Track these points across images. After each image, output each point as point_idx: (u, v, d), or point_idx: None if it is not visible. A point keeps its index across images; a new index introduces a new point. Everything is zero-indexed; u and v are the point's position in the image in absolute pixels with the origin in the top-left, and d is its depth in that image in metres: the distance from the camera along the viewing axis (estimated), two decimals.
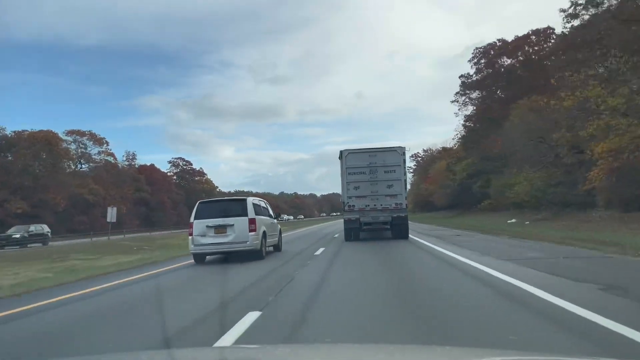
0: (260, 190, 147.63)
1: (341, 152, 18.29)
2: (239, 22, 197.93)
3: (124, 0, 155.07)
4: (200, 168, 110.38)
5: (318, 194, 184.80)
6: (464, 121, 52.30)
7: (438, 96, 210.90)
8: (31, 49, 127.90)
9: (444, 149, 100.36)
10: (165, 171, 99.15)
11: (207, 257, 13.23)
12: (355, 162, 17.87)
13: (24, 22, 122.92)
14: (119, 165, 77.33)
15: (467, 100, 62.75)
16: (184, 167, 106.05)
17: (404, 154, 18.16)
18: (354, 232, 18.33)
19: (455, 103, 65.44)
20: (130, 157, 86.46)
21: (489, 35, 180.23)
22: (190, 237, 12.77)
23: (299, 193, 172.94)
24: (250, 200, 13.50)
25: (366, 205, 17.72)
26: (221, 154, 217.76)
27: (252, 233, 12.57)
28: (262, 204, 15.03)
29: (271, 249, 14.80)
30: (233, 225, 12.54)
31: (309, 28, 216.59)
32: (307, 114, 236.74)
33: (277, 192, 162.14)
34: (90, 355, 4.18)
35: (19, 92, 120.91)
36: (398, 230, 17.86)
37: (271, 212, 15.65)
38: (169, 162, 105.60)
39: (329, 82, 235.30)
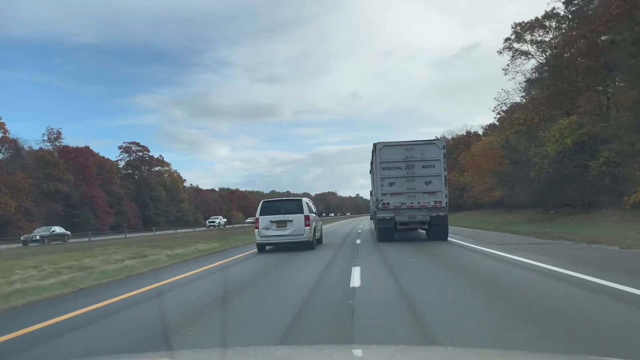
0: (254, 189, 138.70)
1: (375, 145, 16.83)
2: (235, 20, 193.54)
3: None
4: (160, 156, 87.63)
5: (312, 193, 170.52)
6: (553, 49, 30.25)
7: (434, 97, 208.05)
8: (25, 46, 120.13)
9: (468, 133, 79.38)
10: (115, 160, 76.86)
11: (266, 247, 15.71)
12: (391, 156, 16.32)
13: (17, 19, 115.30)
14: (20, 143, 54.29)
15: (526, 49, 41.31)
16: (138, 153, 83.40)
17: (444, 147, 16.50)
18: (388, 232, 16.80)
19: (507, 52, 44.02)
20: (54, 136, 64.01)
21: (485, 36, 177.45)
22: (256, 230, 15.22)
23: (292, 192, 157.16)
24: (304, 200, 16.24)
25: (402, 203, 16.18)
26: (217, 153, 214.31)
27: (307, 227, 15.07)
28: (311, 203, 17.41)
29: (315, 241, 16.42)
30: (292, 220, 15.00)
31: (305, 27, 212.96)
32: (303, 114, 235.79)
33: (268, 191, 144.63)
34: (96, 357, 4.17)
35: (11, 90, 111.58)
36: (437, 230, 16.38)
37: (316, 211, 17.75)
38: (119, 147, 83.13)
39: (325, 82, 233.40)
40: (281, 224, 14.93)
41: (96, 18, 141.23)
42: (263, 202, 15.99)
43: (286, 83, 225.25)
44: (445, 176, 16.17)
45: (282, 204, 15.88)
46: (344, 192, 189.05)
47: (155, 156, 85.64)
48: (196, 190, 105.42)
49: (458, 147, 70.14)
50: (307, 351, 2.85)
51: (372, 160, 18.03)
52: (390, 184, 16.24)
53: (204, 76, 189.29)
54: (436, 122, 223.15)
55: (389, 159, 16.32)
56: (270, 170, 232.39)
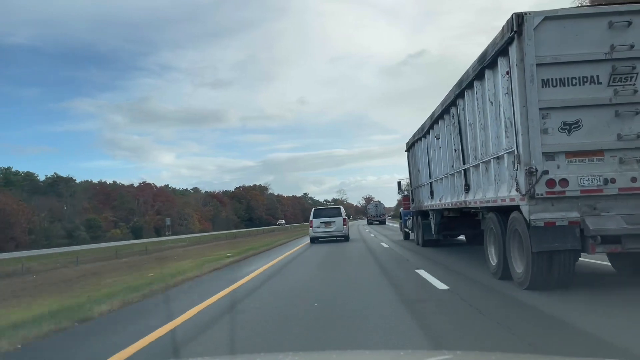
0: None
1: (518, 18, 6.06)
2: (179, 23, 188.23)
3: None
4: None
5: (231, 189, 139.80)
6: None
7: (384, 104, 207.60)
8: None
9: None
10: None
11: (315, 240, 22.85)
12: (566, 47, 6.06)
13: None
14: None
15: None
16: None
17: None
18: (561, 262, 6.13)
19: None
20: None
21: (430, 44, 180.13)
22: (310, 228, 22.56)
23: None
24: (341, 208, 24.85)
25: (604, 181, 5.96)
26: (162, 160, 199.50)
27: (345, 226, 22.51)
28: (343, 209, 24.91)
29: (348, 235, 23.62)
30: (335, 221, 22.34)
31: (251, 32, 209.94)
32: (251, 120, 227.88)
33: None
34: None
35: None
36: None
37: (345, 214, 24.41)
38: None
39: (273, 88, 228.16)
40: (327, 223, 22.22)
41: (32, 17, 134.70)
42: (314, 209, 23.68)
43: (232, 88, 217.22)
44: None
45: (327, 210, 24.00)
46: (287, 193, 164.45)
47: None
48: None
49: None
50: (315, 357, 2.80)
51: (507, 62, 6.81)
52: (565, 128, 6.22)
53: (146, 80, 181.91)
54: (387, 129, 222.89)
55: (562, 55, 6.18)
56: (220, 178, 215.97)
